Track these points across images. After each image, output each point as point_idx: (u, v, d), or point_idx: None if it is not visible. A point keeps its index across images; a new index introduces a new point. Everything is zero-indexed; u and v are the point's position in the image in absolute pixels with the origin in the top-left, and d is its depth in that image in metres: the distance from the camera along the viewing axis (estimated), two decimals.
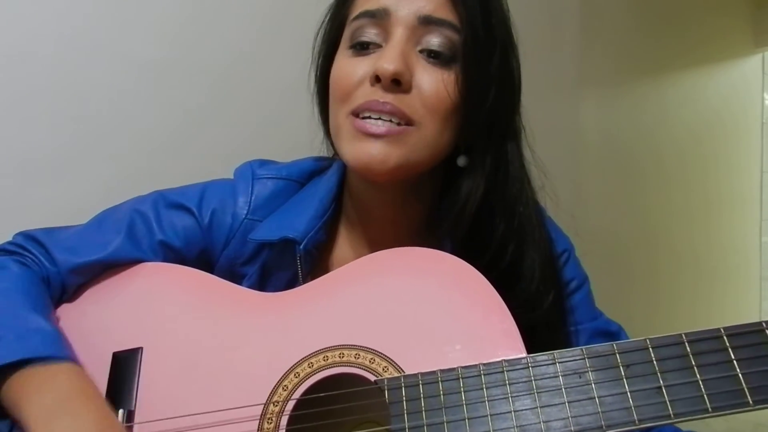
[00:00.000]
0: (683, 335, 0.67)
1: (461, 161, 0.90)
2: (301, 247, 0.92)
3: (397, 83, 0.82)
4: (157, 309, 0.93)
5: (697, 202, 3.40)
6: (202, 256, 0.98)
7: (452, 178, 0.91)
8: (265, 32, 1.59)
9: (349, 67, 0.87)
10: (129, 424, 0.83)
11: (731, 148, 3.73)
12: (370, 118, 0.83)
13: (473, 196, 0.88)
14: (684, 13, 3.24)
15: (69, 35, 1.31)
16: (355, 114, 0.85)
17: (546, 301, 0.91)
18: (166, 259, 0.96)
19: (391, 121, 0.83)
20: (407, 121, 0.83)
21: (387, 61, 0.82)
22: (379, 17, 0.85)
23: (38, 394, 0.77)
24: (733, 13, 3.74)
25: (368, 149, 0.83)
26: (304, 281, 0.92)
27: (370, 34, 0.86)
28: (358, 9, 0.88)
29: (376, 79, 0.83)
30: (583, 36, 2.54)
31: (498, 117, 0.89)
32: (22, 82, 1.26)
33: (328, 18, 0.96)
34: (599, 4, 2.64)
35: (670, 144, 3.18)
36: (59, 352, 0.82)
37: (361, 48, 0.87)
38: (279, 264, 0.95)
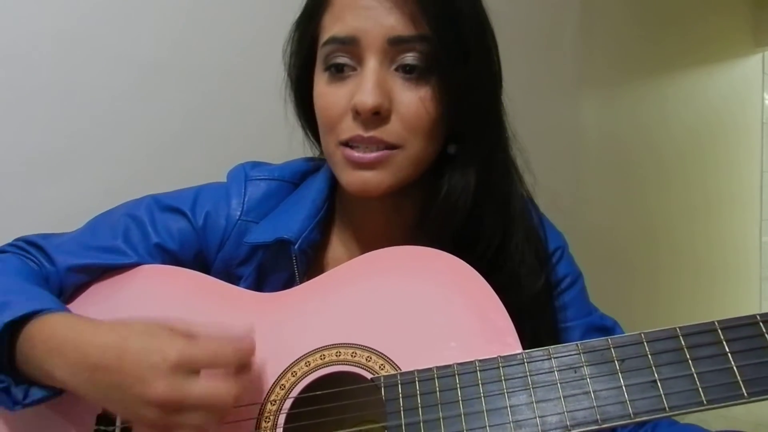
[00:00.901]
0: (678, 329, 0.67)
1: (451, 149, 0.90)
2: (296, 247, 0.92)
3: (377, 113, 0.83)
4: (155, 310, 0.92)
5: (697, 202, 3.40)
6: (198, 258, 0.98)
7: (441, 170, 0.91)
8: (265, 33, 1.58)
9: (330, 96, 0.87)
10: (128, 425, 0.83)
11: (731, 148, 3.73)
12: (357, 146, 0.85)
13: (466, 189, 0.89)
14: (684, 13, 3.24)
15: (69, 35, 1.31)
16: (344, 144, 0.86)
17: (535, 285, 0.92)
18: (162, 263, 0.97)
19: (377, 147, 0.84)
20: (393, 147, 0.84)
21: (365, 95, 0.82)
22: (348, 44, 0.85)
23: (56, 349, 0.77)
24: (733, 13, 3.74)
25: (362, 177, 0.85)
26: (301, 281, 0.92)
27: (343, 58, 0.86)
28: (326, 33, 0.87)
29: (357, 113, 0.83)
30: (583, 36, 2.54)
31: (480, 112, 0.89)
32: (22, 82, 1.26)
33: (296, 37, 0.95)
34: (599, 4, 2.64)
35: (670, 144, 3.18)
36: (63, 309, 0.84)
37: (337, 71, 0.86)
38: (275, 265, 0.95)
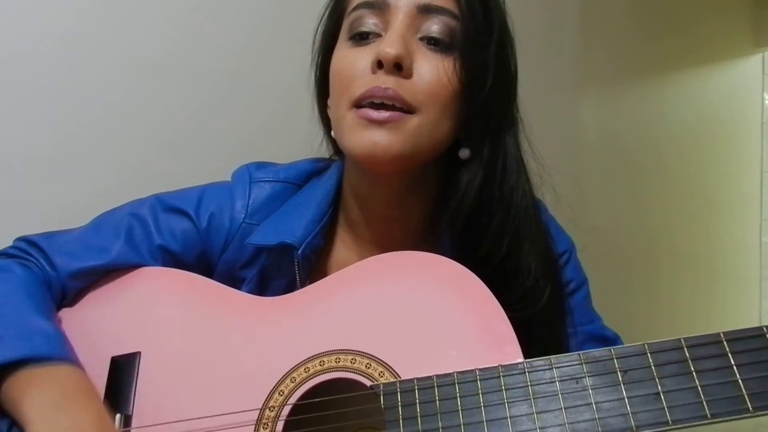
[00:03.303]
0: (682, 340, 0.66)
1: (464, 153, 0.89)
2: (299, 252, 0.91)
3: (399, 68, 0.82)
4: (156, 314, 0.93)
5: (697, 202, 3.40)
6: (201, 259, 0.97)
7: (452, 174, 0.90)
8: (266, 32, 1.58)
9: (349, 58, 0.87)
10: (126, 429, 0.83)
11: (731, 148, 3.72)
12: (372, 105, 0.83)
13: (471, 187, 0.88)
14: (684, 13, 3.23)
15: (69, 35, 1.31)
16: (357, 105, 0.84)
17: (544, 296, 0.90)
18: (165, 264, 0.96)
19: (393, 106, 0.82)
20: (408, 108, 0.83)
21: (389, 45, 0.82)
22: (378, 8, 0.85)
23: (37, 393, 0.77)
24: (733, 13, 3.73)
25: (372, 137, 0.83)
26: (302, 286, 0.92)
27: (369, 24, 0.86)
28: (355, 1, 0.88)
29: (378, 65, 0.83)
30: (583, 36, 2.54)
31: (495, 106, 0.89)
32: (22, 82, 1.26)
33: (326, 13, 0.96)
34: (599, 4, 2.64)
35: (670, 144, 3.17)
36: (60, 351, 0.83)
37: (361, 38, 0.87)
38: (277, 268, 0.95)
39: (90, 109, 1.35)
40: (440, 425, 0.69)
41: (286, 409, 0.78)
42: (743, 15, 3.81)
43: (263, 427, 0.78)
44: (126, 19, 1.38)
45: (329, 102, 0.92)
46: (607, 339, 1.00)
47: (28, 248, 0.95)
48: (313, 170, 1.03)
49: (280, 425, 0.77)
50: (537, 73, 2.26)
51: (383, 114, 0.82)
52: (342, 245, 1.00)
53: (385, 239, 0.95)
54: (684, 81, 3.32)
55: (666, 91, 3.19)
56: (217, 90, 1.53)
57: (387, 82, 0.82)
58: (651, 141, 3.05)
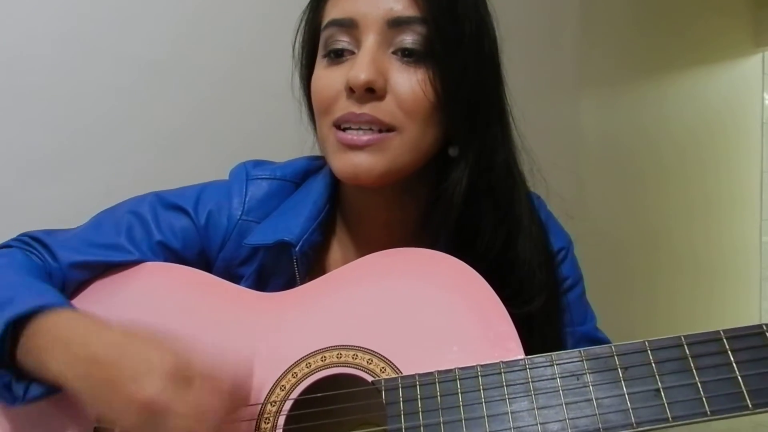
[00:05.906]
0: (682, 338, 0.66)
1: (452, 151, 0.89)
2: (297, 249, 0.91)
3: (371, 91, 0.82)
4: (157, 308, 0.93)
5: (697, 202, 3.39)
6: (201, 256, 0.98)
7: (445, 171, 0.90)
8: (266, 32, 1.58)
9: (325, 79, 0.87)
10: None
11: (731, 148, 3.72)
12: (350, 129, 0.84)
13: (459, 184, 0.87)
14: (684, 13, 3.23)
15: (69, 35, 1.31)
16: (337, 126, 0.85)
17: (542, 289, 0.91)
18: (165, 260, 0.97)
19: (371, 129, 0.83)
20: (388, 128, 0.83)
21: (358, 71, 0.82)
22: (347, 26, 0.85)
23: (65, 330, 0.77)
24: (733, 13, 3.73)
25: (352, 160, 0.84)
26: (302, 283, 0.92)
27: (342, 42, 0.86)
28: (327, 17, 0.88)
29: (351, 91, 0.83)
30: (583, 36, 2.54)
31: (479, 105, 0.88)
32: (21, 82, 1.26)
33: (303, 24, 0.96)
34: (599, 4, 2.64)
35: (670, 144, 3.17)
36: (71, 306, 0.83)
37: (336, 56, 0.86)
38: (276, 266, 0.95)
39: (90, 109, 1.35)
40: (441, 420, 0.69)
41: (288, 404, 0.78)
42: (743, 15, 3.81)
43: (265, 422, 0.78)
44: (126, 19, 1.39)
45: (315, 118, 0.92)
46: (599, 341, 1.00)
47: (30, 241, 0.96)
48: (310, 168, 1.03)
49: (281, 419, 0.78)
50: (537, 72, 2.26)
51: (363, 138, 0.83)
52: (340, 242, 1.00)
53: (383, 237, 0.95)
54: (684, 81, 3.32)
55: (666, 91, 3.18)
56: (216, 90, 1.53)
57: (362, 108, 0.83)
58: (651, 141, 3.05)
